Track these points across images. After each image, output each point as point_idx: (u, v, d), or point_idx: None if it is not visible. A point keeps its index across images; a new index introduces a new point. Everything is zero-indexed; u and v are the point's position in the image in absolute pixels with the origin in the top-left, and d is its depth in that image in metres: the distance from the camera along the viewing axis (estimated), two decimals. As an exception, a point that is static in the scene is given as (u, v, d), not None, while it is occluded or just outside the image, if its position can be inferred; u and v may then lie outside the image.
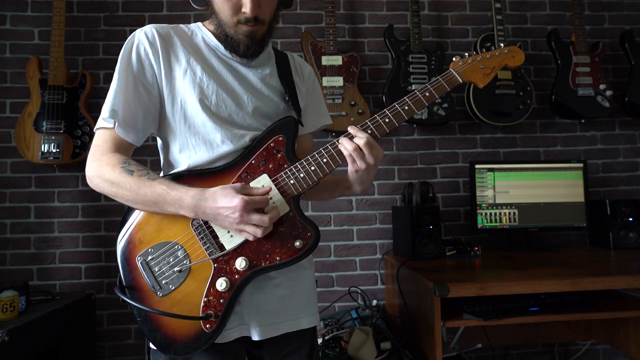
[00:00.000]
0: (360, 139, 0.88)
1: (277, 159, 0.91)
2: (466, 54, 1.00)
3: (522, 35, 2.30)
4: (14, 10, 2.10)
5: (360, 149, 0.88)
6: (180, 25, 0.99)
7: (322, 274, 2.12)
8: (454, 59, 0.99)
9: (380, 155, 0.90)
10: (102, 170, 0.87)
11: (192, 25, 1.00)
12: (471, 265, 1.72)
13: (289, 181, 0.90)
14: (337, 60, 2.06)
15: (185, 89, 0.92)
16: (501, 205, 2.02)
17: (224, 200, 0.81)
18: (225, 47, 0.96)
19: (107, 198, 2.05)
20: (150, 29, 0.94)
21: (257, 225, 0.83)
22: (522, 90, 2.09)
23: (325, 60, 2.06)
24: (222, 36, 0.94)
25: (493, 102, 2.08)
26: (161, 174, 0.96)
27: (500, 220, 2.02)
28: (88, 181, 0.89)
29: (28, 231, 2.03)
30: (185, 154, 0.94)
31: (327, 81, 2.03)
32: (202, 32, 0.99)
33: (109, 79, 2.07)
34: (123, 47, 0.93)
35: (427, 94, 0.94)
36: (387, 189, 2.19)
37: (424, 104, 0.94)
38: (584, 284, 1.39)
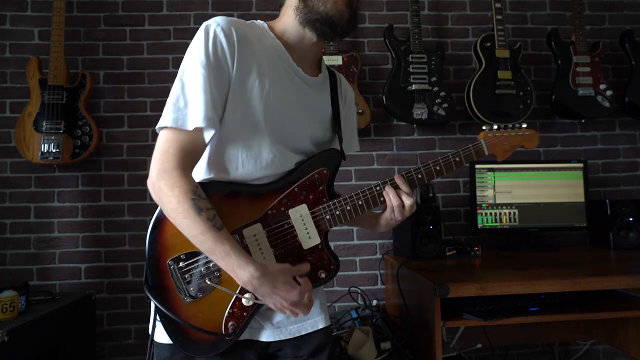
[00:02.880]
0: (408, 198, 0.96)
1: (318, 191, 0.95)
2: (495, 126, 1.07)
3: (522, 35, 2.30)
4: (14, 10, 2.09)
5: (404, 206, 0.96)
6: (249, 22, 0.93)
7: (322, 274, 2.11)
8: (483, 127, 1.08)
9: (414, 210, 0.98)
10: (173, 192, 0.81)
11: (259, 24, 0.95)
12: (471, 265, 1.72)
13: (326, 216, 0.94)
14: (337, 60, 2.06)
15: (251, 100, 0.88)
16: (501, 205, 2.02)
17: (283, 288, 0.84)
18: (322, 32, 0.91)
19: (107, 198, 2.06)
20: (226, 23, 0.86)
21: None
22: (522, 90, 2.09)
23: (325, 60, 2.03)
24: (314, 22, 0.90)
25: (493, 102, 2.07)
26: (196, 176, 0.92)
27: (500, 220, 2.02)
28: (153, 189, 0.83)
29: (28, 231, 2.02)
30: (232, 166, 0.90)
31: (327, 81, 2.03)
32: (270, 35, 0.93)
33: (109, 79, 2.09)
34: (200, 40, 0.85)
35: (457, 159, 1.02)
36: (387, 189, 2.18)
37: (453, 168, 1.02)
38: (584, 284, 1.39)
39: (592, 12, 2.33)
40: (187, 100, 0.83)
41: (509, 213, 2.02)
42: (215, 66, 0.84)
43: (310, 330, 0.98)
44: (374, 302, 2.06)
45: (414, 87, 2.04)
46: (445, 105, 2.05)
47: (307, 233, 0.92)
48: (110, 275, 2.03)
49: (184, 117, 0.83)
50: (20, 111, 1.94)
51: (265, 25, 0.95)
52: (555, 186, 2.04)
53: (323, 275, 0.94)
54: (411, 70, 2.06)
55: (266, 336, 0.94)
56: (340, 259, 2.30)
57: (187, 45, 0.89)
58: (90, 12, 2.13)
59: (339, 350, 1.64)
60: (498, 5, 2.11)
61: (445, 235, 2.05)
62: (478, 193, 2.02)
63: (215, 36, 0.85)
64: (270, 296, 0.84)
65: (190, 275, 0.88)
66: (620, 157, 2.30)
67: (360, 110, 2.05)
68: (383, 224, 1.03)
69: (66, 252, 2.03)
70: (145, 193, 2.06)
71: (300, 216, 0.92)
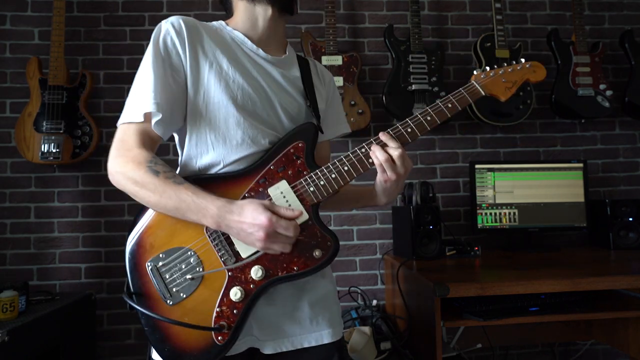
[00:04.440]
0: (395, 149, 0.86)
1: (296, 165, 0.89)
2: (487, 67, 0.98)
3: (522, 35, 2.30)
4: (14, 10, 2.09)
5: (393, 160, 0.86)
6: (205, 22, 0.97)
7: (322, 274, 2.12)
8: (474, 71, 0.97)
9: (410, 167, 0.88)
10: (127, 167, 0.83)
11: (215, 23, 0.98)
12: (471, 265, 1.72)
13: (309, 188, 0.87)
14: (337, 60, 2.06)
15: (210, 81, 0.89)
16: (501, 205, 2.02)
17: (250, 216, 0.78)
18: None
19: (107, 198, 2.05)
20: (176, 19, 0.90)
21: (282, 244, 0.81)
22: (522, 90, 2.09)
23: (325, 60, 2.06)
24: None
25: (493, 102, 2.06)
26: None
27: (500, 220, 2.02)
28: (110, 177, 0.85)
29: (28, 231, 2.02)
30: (202, 150, 0.90)
31: (327, 81, 2.03)
32: (226, 29, 0.96)
33: (109, 79, 2.09)
34: (151, 39, 0.89)
35: (450, 105, 0.92)
36: (387, 189, 2.18)
37: (447, 115, 0.91)
38: (584, 284, 1.39)
39: (592, 12, 2.33)
40: (138, 94, 0.86)
41: (509, 213, 2.02)
42: (165, 58, 0.87)
43: (314, 344, 0.92)
44: (374, 302, 2.06)
45: (414, 87, 2.04)
46: (445, 105, 2.05)
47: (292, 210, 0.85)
48: (110, 275, 2.03)
49: (135, 109, 0.85)
50: (20, 111, 1.94)
51: (223, 22, 0.98)
52: (555, 186, 2.04)
53: (318, 254, 0.84)
54: (411, 70, 2.06)
55: (266, 347, 0.89)
56: (340, 259, 2.31)
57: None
58: (90, 12, 2.13)
59: None
60: (498, 5, 2.11)
61: (445, 235, 2.05)
62: (478, 193, 2.01)
63: (166, 33, 0.88)
64: (239, 231, 0.79)
65: (171, 274, 0.84)
66: (620, 157, 2.30)
67: (360, 110, 2.05)
68: (379, 190, 0.95)
69: (66, 252, 2.03)
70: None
71: (280, 193, 0.86)
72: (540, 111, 2.26)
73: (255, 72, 0.93)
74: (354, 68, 2.08)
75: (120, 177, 0.83)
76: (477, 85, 0.94)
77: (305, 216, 0.86)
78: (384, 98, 2.06)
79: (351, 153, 0.89)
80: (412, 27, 2.09)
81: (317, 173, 0.88)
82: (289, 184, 0.87)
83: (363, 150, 0.89)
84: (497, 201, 2.02)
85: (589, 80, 2.12)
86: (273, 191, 0.87)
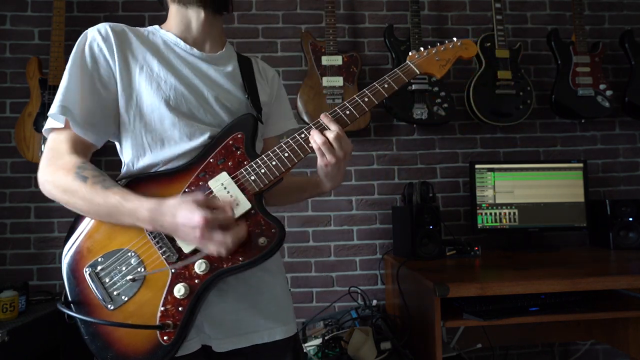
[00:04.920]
0: (331, 132, 0.86)
1: (236, 156, 0.87)
2: (422, 48, 1.02)
3: (522, 35, 2.30)
4: (14, 10, 2.10)
5: (330, 143, 0.86)
6: (137, 28, 0.96)
7: (322, 274, 2.12)
8: (409, 52, 1.01)
9: (349, 149, 0.88)
10: (55, 175, 0.80)
11: (149, 28, 0.97)
12: (471, 265, 1.72)
13: (250, 177, 0.86)
14: (337, 60, 2.06)
15: (141, 85, 0.88)
16: (501, 205, 2.02)
17: (183, 215, 0.75)
18: (199, 2, 0.92)
19: (107, 198, 2.05)
20: (103, 25, 0.89)
21: (218, 244, 0.77)
22: (522, 90, 2.09)
23: (325, 60, 2.06)
24: None
25: (493, 102, 2.07)
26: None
27: (500, 221, 2.02)
28: (40, 187, 0.83)
29: (28, 231, 2.02)
30: (139, 153, 0.89)
31: (327, 81, 2.03)
32: (159, 32, 0.96)
33: (109, 79, 2.09)
34: (75, 46, 0.87)
35: (386, 86, 0.93)
36: (387, 189, 2.19)
37: (384, 95, 0.93)
38: (584, 284, 1.39)
39: (592, 12, 2.33)
40: (54, 102, 0.84)
41: (509, 213, 2.02)
42: (91, 64, 0.86)
43: (267, 340, 0.91)
44: (374, 302, 2.06)
45: (413, 87, 2.04)
46: (445, 105, 2.05)
47: (236, 202, 0.83)
48: (110, 275, 2.03)
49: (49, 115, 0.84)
50: (20, 111, 1.94)
51: (157, 26, 0.97)
52: (555, 186, 2.04)
53: (263, 242, 0.82)
54: (411, 70, 2.06)
55: (218, 345, 0.88)
56: (340, 259, 2.31)
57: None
58: (90, 12, 2.13)
59: (335, 351, 1.64)
60: (498, 5, 2.11)
61: (445, 235, 2.05)
62: (478, 193, 2.02)
63: (92, 39, 0.87)
64: (175, 231, 0.77)
65: (111, 277, 0.81)
66: (620, 157, 2.30)
67: (360, 110, 2.05)
68: (322, 175, 0.95)
69: (66, 252, 2.03)
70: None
71: (221, 184, 0.84)
72: (540, 111, 2.26)
73: (188, 71, 0.92)
74: (354, 68, 2.08)
75: (50, 187, 0.81)
76: (411, 65, 0.98)
77: (248, 205, 0.84)
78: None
79: (291, 139, 0.89)
80: (412, 27, 2.09)
81: (257, 162, 0.87)
82: (229, 175, 0.86)
83: (303, 135, 0.88)
84: (497, 201, 2.02)
85: (589, 80, 2.12)
86: (213, 184, 0.85)
